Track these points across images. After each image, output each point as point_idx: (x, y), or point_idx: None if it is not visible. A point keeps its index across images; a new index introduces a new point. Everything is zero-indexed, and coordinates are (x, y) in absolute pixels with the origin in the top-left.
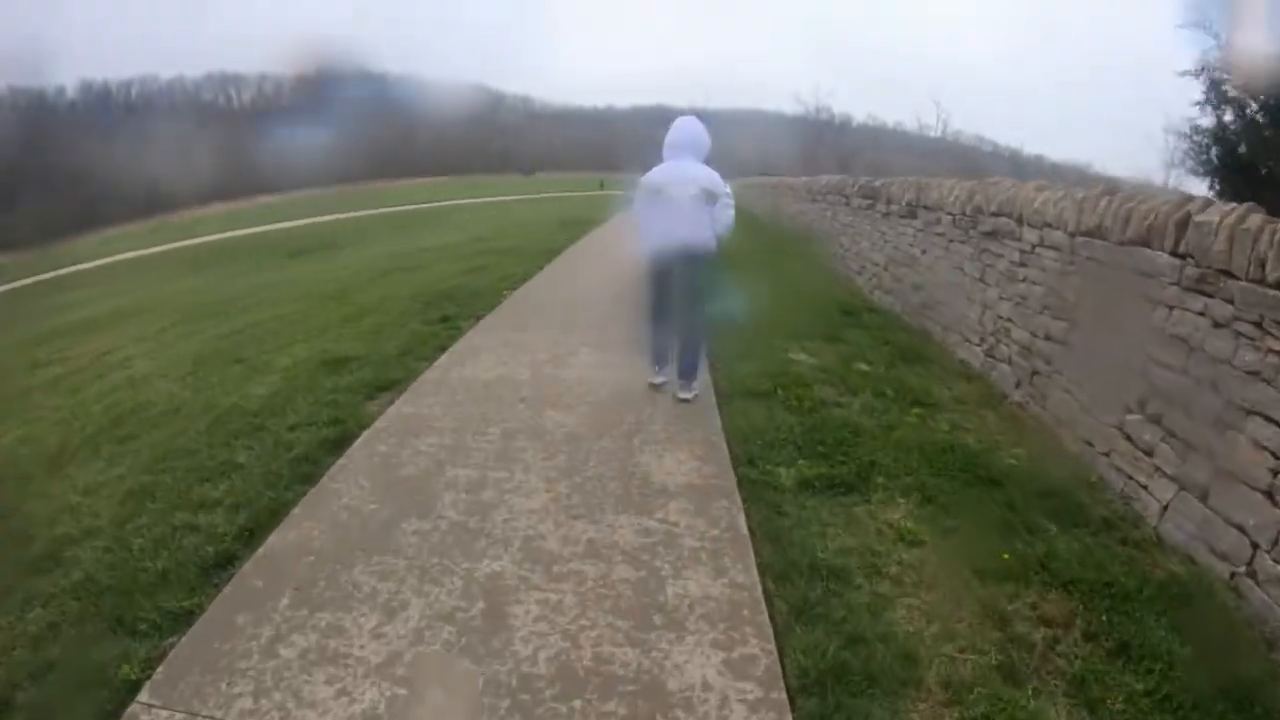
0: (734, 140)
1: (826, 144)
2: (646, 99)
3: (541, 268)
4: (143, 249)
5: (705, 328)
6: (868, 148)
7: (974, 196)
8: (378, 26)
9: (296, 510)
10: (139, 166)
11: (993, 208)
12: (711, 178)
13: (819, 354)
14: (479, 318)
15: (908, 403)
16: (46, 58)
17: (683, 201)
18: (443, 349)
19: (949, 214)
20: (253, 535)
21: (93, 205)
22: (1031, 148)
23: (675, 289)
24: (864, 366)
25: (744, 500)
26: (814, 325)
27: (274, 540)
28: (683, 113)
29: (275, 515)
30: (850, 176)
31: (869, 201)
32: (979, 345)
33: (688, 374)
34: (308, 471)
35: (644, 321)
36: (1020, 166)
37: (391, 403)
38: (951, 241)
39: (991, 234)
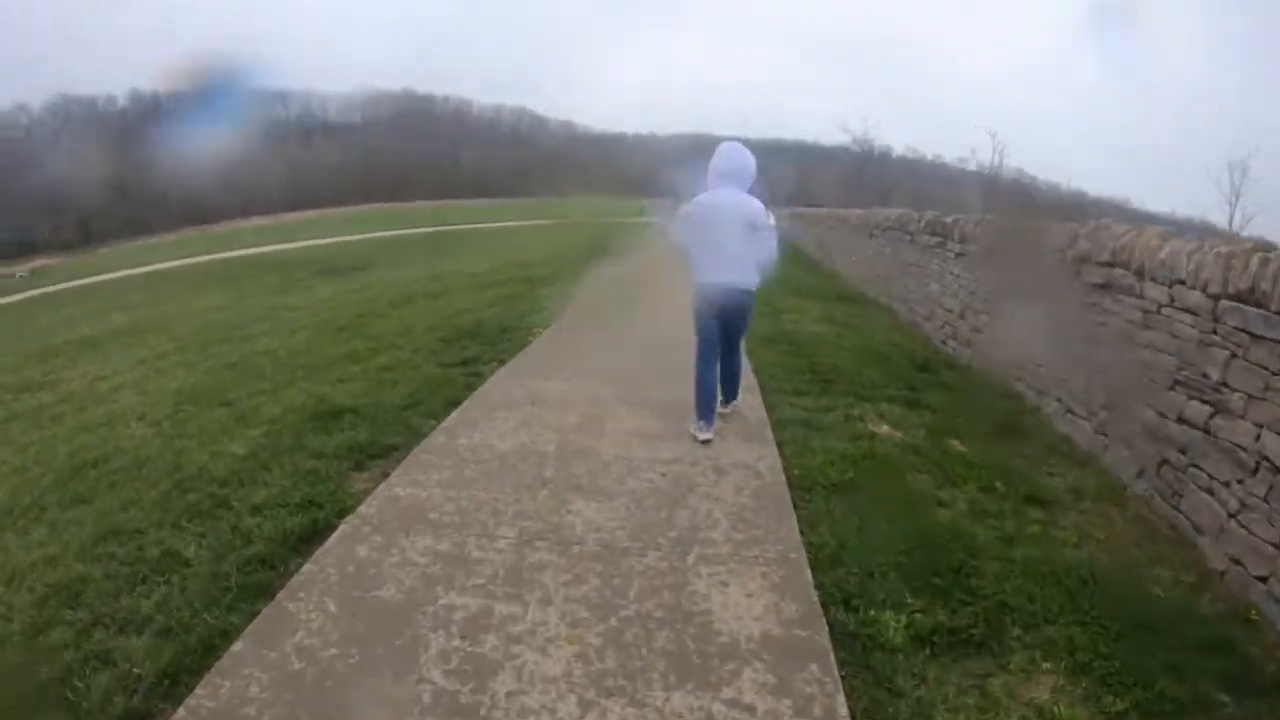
0: (772, 170)
1: (867, 176)
2: (686, 127)
3: (576, 300)
4: (182, 258)
5: (741, 359)
6: (906, 179)
7: (1077, 241)
8: (427, 50)
9: (238, 645)
10: (184, 177)
11: (1104, 256)
12: (755, 208)
13: (901, 424)
14: (502, 361)
15: (1021, 499)
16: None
17: (728, 233)
18: (455, 403)
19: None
20: (175, 683)
21: (140, 214)
22: (1069, 182)
23: (722, 325)
24: (958, 445)
25: (841, 667)
26: (888, 382)
27: (201, 696)
28: (722, 140)
29: (210, 652)
30: (913, 211)
31: (938, 239)
32: (1087, 419)
33: (729, 394)
34: (263, 580)
35: (695, 365)
36: (1060, 201)
37: (385, 476)
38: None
39: (1104, 287)
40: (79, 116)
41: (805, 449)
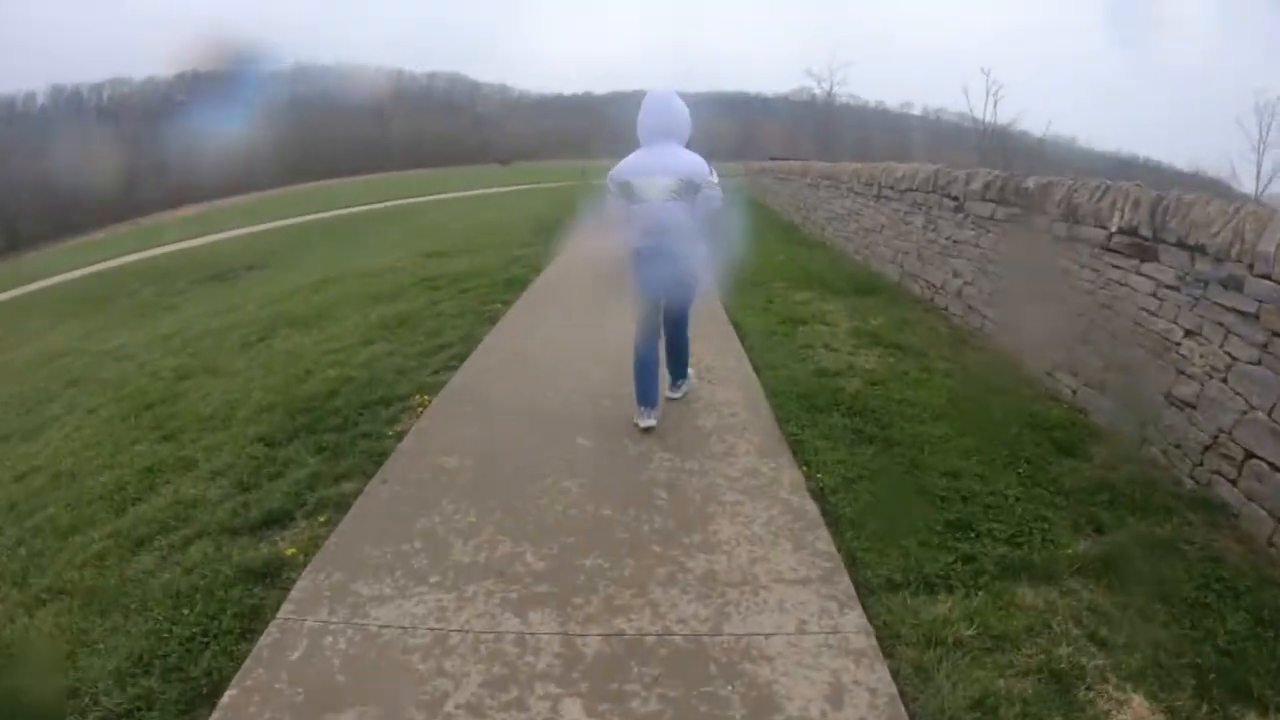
0: (718, 124)
1: (816, 124)
2: (625, 84)
3: (495, 322)
4: (88, 265)
5: (688, 333)
6: (851, 127)
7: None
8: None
9: None
10: (106, 172)
11: None
12: (693, 164)
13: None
14: (343, 507)
15: None
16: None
17: (663, 195)
18: (243, 635)
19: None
20: None
21: (63, 213)
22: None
23: (662, 303)
24: None
25: None
26: (1007, 482)
27: None
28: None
29: None
30: (956, 170)
31: (1016, 211)
32: None
33: (678, 374)
34: None
35: (634, 345)
36: (1008, 141)
37: None
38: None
39: None
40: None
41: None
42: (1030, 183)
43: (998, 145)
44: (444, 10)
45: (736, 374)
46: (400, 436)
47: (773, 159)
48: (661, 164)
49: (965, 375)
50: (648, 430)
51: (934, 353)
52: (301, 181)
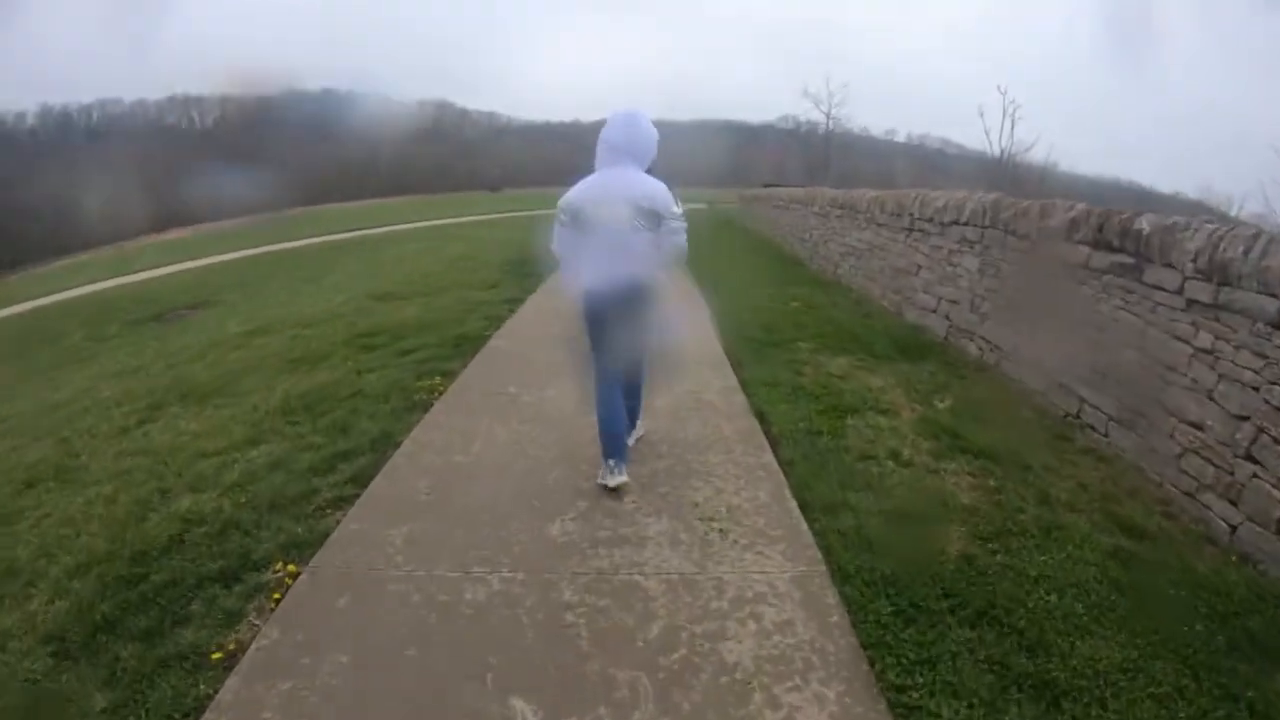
0: (705, 152)
1: (794, 153)
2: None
3: (426, 410)
4: (14, 305)
5: (645, 369)
6: (836, 155)
7: None
8: (341, 47)
9: None
10: (94, 193)
11: None
12: (655, 192)
13: None
14: None
15: None
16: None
17: (618, 224)
18: None
19: None
20: None
21: (50, 235)
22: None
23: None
24: None
25: None
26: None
27: None
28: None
29: None
30: (1024, 200)
31: (1125, 261)
32: None
33: (630, 417)
34: None
35: (596, 406)
36: (985, 166)
37: None
38: None
39: None
40: None
41: None
42: (1144, 223)
43: (1007, 173)
44: (433, 39)
45: (775, 523)
46: (226, 666)
47: (768, 185)
48: (618, 189)
49: (1101, 510)
50: (617, 489)
51: (1037, 461)
52: (289, 207)
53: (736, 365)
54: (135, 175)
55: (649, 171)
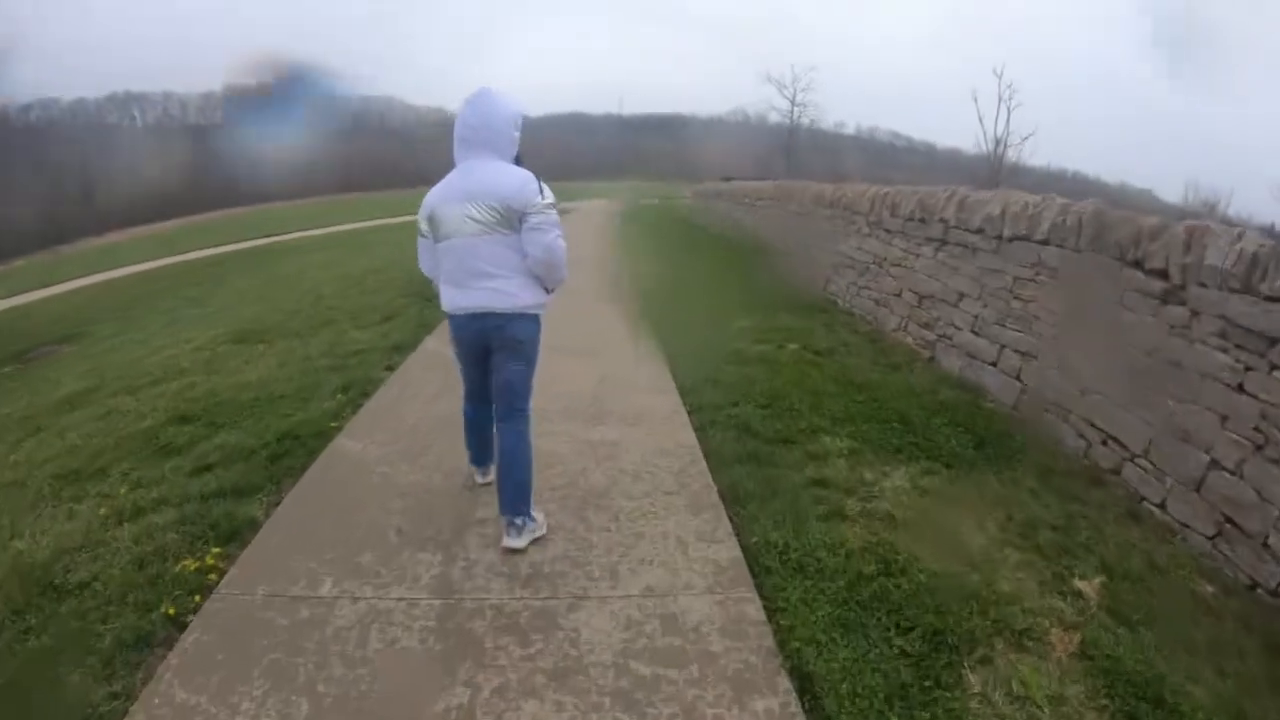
0: (654, 145)
1: (748, 146)
2: (560, 106)
3: (170, 649)
4: None
5: (528, 430)
6: (780, 148)
7: None
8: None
9: None
10: (31, 196)
11: None
12: (516, 184)
13: None
14: None
15: None
16: None
17: (472, 229)
18: None
19: None
20: None
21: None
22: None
23: (481, 372)
24: None
25: None
26: None
27: None
28: (597, 120)
29: None
30: (1142, 215)
31: None
32: None
33: (512, 505)
34: None
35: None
36: (934, 159)
37: None
38: None
39: None
40: None
41: None
42: None
43: (989, 170)
44: (377, 34)
45: None
46: None
47: (727, 179)
48: (471, 185)
49: None
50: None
51: None
52: (229, 206)
53: (730, 499)
54: (73, 176)
55: (517, 161)
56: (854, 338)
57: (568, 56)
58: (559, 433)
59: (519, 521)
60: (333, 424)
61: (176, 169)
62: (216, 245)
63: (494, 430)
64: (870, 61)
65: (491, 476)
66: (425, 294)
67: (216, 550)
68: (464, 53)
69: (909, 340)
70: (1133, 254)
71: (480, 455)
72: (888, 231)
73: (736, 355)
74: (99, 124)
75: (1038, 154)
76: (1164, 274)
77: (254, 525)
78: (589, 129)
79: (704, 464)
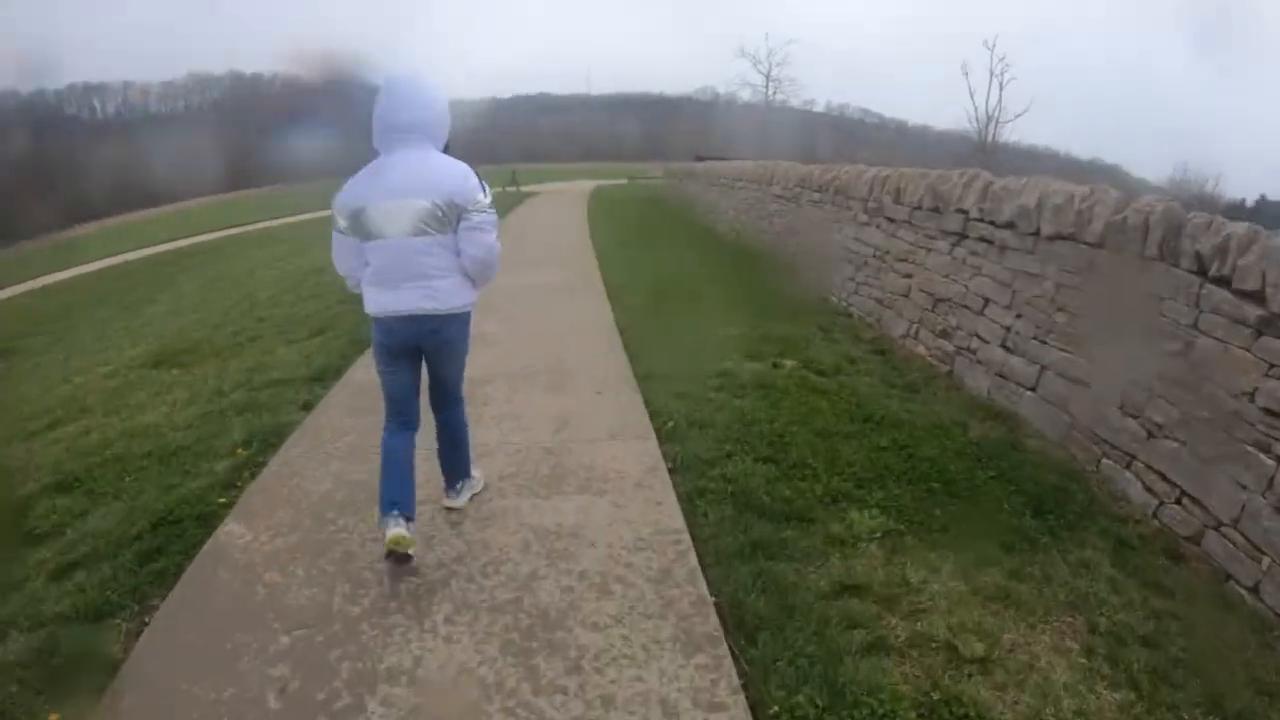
0: (624, 125)
1: (717, 125)
2: (528, 87)
3: None
4: None
5: (463, 413)
6: (753, 126)
7: None
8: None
9: None
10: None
11: None
12: (455, 178)
13: None
14: None
15: None
16: None
17: (405, 226)
18: None
19: None
20: None
21: None
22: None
23: (412, 372)
24: None
25: None
26: None
27: None
28: (565, 99)
29: None
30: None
31: None
32: None
33: (455, 472)
34: None
35: (383, 439)
36: (905, 136)
37: None
38: None
39: None
40: None
41: None
42: None
43: (972, 148)
44: (334, 14)
45: None
46: None
47: (701, 159)
48: (407, 179)
49: None
50: (397, 546)
51: None
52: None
53: (733, 623)
54: (37, 168)
55: (446, 150)
56: (859, 349)
57: (534, 37)
58: (504, 512)
59: (459, 485)
60: (221, 500)
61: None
62: (182, 237)
63: (414, 451)
64: (837, 35)
65: (404, 529)
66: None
67: (54, 718)
68: (429, 33)
69: (922, 350)
70: (1217, 268)
71: (400, 498)
72: (891, 220)
73: (725, 379)
74: (58, 114)
75: (1017, 132)
76: (1259, 297)
77: (109, 668)
78: (557, 108)
79: (694, 561)
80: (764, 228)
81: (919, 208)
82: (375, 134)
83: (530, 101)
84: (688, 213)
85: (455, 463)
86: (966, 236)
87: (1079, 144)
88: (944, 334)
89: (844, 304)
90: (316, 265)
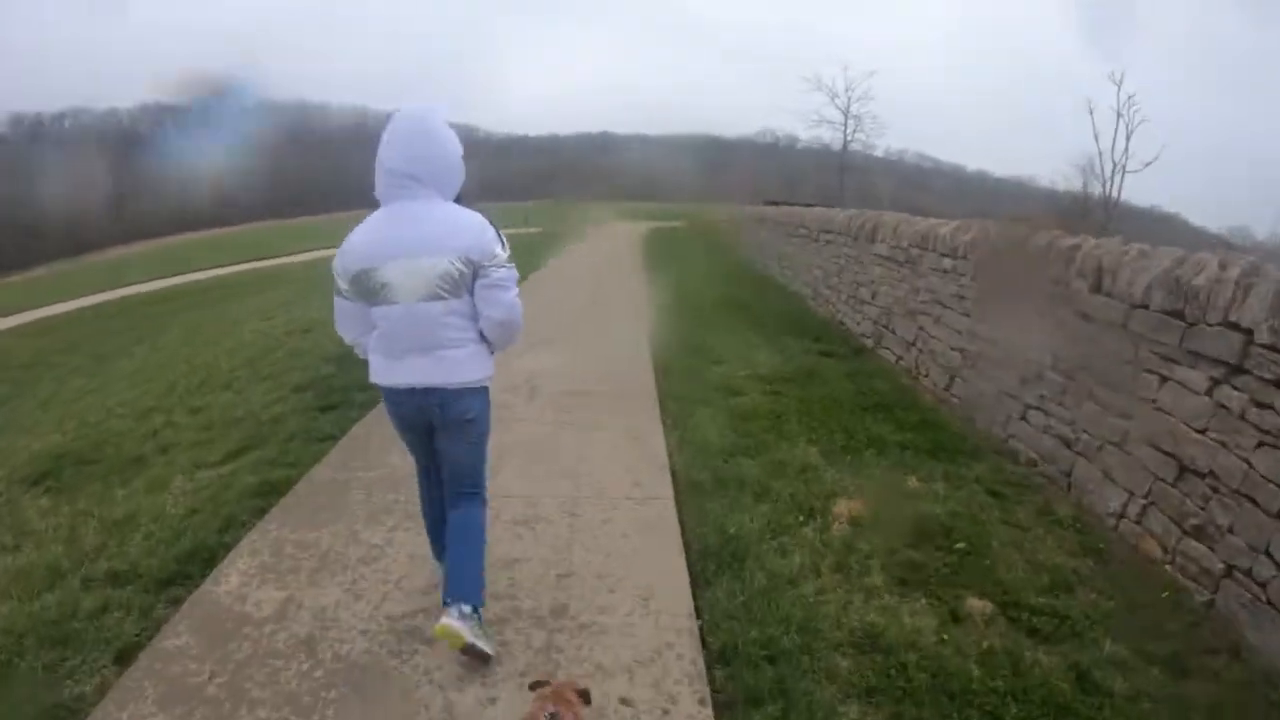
0: (679, 168)
1: (771, 169)
2: (589, 125)
3: None
4: None
5: (480, 513)
6: (811, 169)
7: None
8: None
9: None
10: (61, 204)
11: None
12: (471, 232)
13: None
14: None
15: None
16: None
17: (414, 288)
18: None
19: None
20: None
21: (20, 247)
22: (972, 163)
23: (426, 450)
24: None
25: None
26: None
27: None
28: (618, 137)
29: None
30: None
31: None
32: None
33: (459, 590)
34: None
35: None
36: (963, 183)
37: None
38: None
39: None
40: None
41: None
42: None
43: (1075, 204)
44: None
45: None
46: None
47: (774, 203)
48: (418, 235)
49: None
50: (446, 639)
51: None
52: (255, 220)
53: None
54: (103, 185)
55: (459, 200)
56: (1059, 543)
57: (593, 72)
58: None
59: (465, 609)
60: None
61: (205, 182)
62: (174, 275)
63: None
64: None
65: (456, 621)
66: (330, 386)
67: None
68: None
69: (1153, 549)
70: None
71: (458, 582)
72: (1086, 319)
73: (839, 633)
74: (130, 133)
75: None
76: None
77: None
78: (616, 148)
79: None
80: (862, 298)
81: (1143, 305)
82: (378, 181)
83: (591, 139)
84: (757, 265)
85: (461, 573)
86: (1245, 371)
87: (1189, 207)
88: (1197, 530)
89: (1001, 434)
90: (303, 323)
